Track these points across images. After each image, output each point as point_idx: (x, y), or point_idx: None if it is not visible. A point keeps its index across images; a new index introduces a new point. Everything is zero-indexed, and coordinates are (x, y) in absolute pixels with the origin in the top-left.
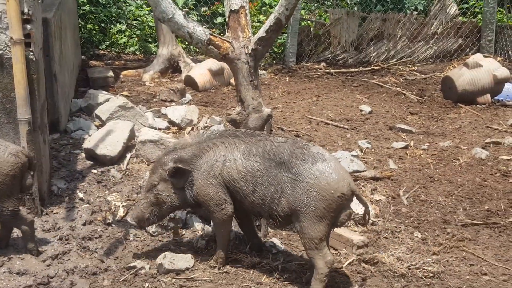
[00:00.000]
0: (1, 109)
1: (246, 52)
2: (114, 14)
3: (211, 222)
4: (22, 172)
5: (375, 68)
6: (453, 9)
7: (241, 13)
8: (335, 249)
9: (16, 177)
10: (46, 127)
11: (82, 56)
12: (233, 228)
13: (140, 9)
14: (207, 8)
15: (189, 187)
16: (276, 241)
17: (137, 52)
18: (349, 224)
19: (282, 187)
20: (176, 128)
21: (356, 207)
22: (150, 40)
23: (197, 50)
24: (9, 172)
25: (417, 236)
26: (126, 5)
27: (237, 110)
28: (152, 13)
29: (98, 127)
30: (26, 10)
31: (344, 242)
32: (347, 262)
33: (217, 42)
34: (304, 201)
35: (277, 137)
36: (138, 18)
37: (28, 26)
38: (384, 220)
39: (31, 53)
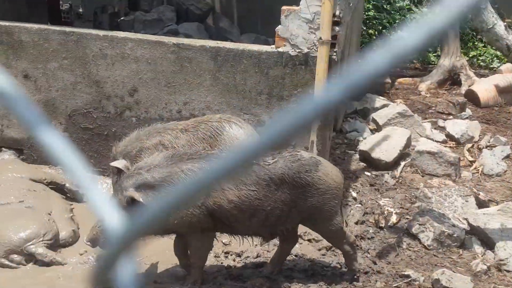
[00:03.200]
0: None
1: None
2: (397, 21)
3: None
4: None
5: None
6: None
7: None
8: None
9: None
10: (332, 125)
11: (359, 61)
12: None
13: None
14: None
15: None
16: None
17: (414, 61)
18: None
19: (289, 205)
20: (454, 143)
21: None
22: (429, 49)
23: (481, 64)
24: None
25: None
26: (411, 13)
27: None
28: None
29: (372, 131)
30: (337, 13)
31: None
32: None
33: None
34: (319, 205)
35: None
36: None
37: (337, 28)
38: None
39: (334, 54)
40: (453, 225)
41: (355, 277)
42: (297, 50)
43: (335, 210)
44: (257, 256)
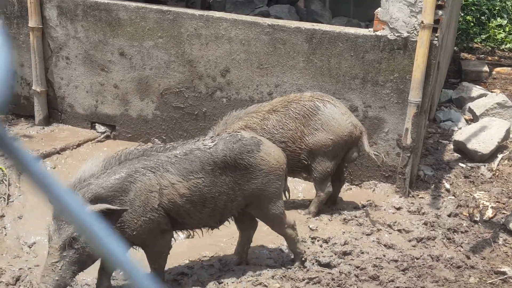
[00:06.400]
0: (394, 89)
1: None
2: (497, 8)
3: None
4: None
5: None
6: None
7: None
8: None
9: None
10: (427, 113)
11: (454, 48)
12: None
13: None
14: None
15: (119, 230)
16: None
17: None
18: None
19: (234, 189)
20: None
21: None
22: None
23: None
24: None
25: None
26: None
27: None
28: None
29: (468, 121)
30: None
31: None
32: None
33: None
34: (263, 187)
35: (199, 141)
36: None
37: (440, 12)
38: None
39: (436, 39)
40: None
41: (303, 259)
42: (396, 34)
43: (278, 192)
44: (345, 243)
